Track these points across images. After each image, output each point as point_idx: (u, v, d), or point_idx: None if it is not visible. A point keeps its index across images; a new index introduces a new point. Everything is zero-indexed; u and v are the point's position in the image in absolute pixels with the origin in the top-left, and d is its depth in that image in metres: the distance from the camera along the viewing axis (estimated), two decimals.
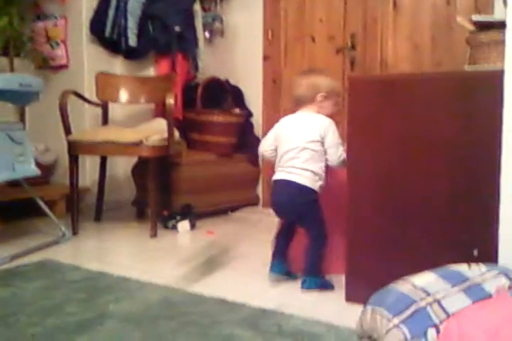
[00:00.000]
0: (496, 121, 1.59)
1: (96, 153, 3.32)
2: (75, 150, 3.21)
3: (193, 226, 3.36)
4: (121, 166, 4.03)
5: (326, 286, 2.18)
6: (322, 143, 2.16)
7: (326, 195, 2.21)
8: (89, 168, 3.84)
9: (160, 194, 3.25)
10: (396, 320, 1.17)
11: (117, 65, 4.07)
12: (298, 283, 2.20)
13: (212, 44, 4.27)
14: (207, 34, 4.20)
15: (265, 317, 1.87)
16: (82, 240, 3.10)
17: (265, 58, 4.10)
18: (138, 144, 3.08)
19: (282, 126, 2.28)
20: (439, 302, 1.17)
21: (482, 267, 1.30)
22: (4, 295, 2.13)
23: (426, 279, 1.29)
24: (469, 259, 1.47)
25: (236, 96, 4.09)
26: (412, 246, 1.88)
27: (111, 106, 3.69)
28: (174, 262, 2.63)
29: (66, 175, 3.42)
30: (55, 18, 3.98)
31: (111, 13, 3.85)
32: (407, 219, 1.89)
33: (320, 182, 2.18)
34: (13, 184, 3.25)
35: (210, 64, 4.16)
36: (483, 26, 2.03)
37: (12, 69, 3.87)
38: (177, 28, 3.88)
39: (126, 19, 3.85)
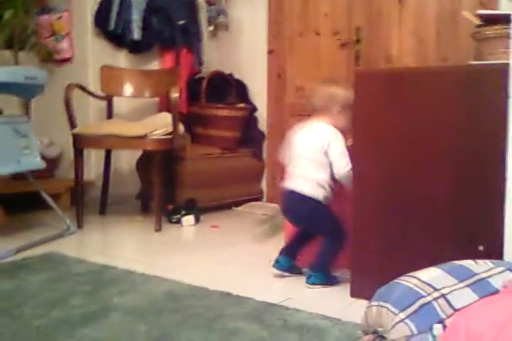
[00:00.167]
0: (501, 116, 1.59)
1: (101, 146, 3.33)
2: (79, 143, 3.21)
3: (197, 220, 3.36)
4: (126, 160, 4.03)
5: (331, 283, 2.18)
6: (326, 154, 2.15)
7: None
8: (93, 162, 3.85)
9: (164, 188, 3.25)
10: (402, 315, 1.17)
11: (122, 59, 4.07)
12: (303, 278, 2.21)
13: (217, 38, 4.26)
14: (211, 28, 4.19)
15: (270, 311, 1.87)
16: (86, 233, 3.11)
17: (270, 52, 4.09)
18: (142, 138, 3.08)
19: (294, 135, 2.28)
20: (445, 297, 1.17)
21: (488, 263, 1.30)
22: (9, 287, 2.14)
23: (432, 274, 1.29)
24: (474, 256, 1.46)
25: (240, 90, 4.08)
26: (416, 243, 1.88)
27: (115, 99, 3.69)
28: (179, 256, 2.63)
29: (71, 168, 3.42)
30: (60, 11, 3.98)
31: (115, 6, 3.84)
32: (411, 216, 1.89)
33: (324, 192, 2.17)
34: (18, 177, 3.26)
35: (215, 58, 4.16)
36: (488, 20, 2.03)
37: (17, 63, 3.87)
38: (181, 22, 3.87)
39: (130, 12, 3.84)
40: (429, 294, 1.19)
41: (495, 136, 1.68)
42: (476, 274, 1.24)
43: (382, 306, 1.26)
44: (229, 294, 2.04)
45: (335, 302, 1.99)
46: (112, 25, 3.84)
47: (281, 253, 2.30)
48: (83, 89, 3.46)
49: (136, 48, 4.03)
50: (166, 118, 3.29)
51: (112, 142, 3.16)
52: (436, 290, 1.20)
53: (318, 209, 2.18)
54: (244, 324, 1.76)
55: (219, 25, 4.21)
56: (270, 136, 4.10)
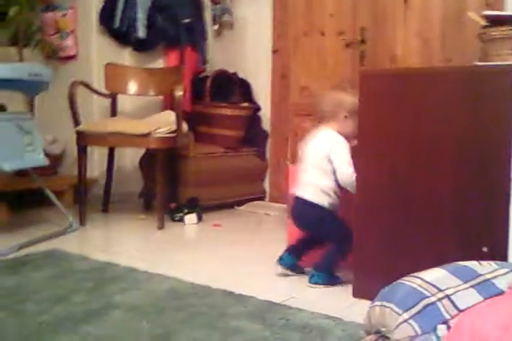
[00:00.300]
0: (506, 117, 1.58)
1: (104, 144, 3.33)
2: (83, 140, 3.21)
3: (199, 219, 3.36)
4: (129, 158, 4.04)
5: (334, 283, 2.18)
6: (330, 161, 2.16)
7: None
8: (97, 159, 3.85)
9: (167, 186, 3.25)
10: (406, 315, 1.16)
11: (126, 57, 4.07)
12: (305, 278, 2.21)
13: (222, 37, 4.26)
14: (216, 27, 4.19)
15: (272, 311, 1.87)
16: (89, 231, 3.11)
17: (274, 52, 4.08)
18: (146, 136, 3.08)
19: (305, 142, 2.29)
20: (449, 297, 1.16)
21: (493, 264, 1.30)
22: (12, 283, 2.14)
23: (436, 275, 1.28)
24: (478, 256, 1.46)
25: (244, 89, 4.08)
26: (419, 244, 1.87)
27: (120, 97, 3.69)
28: (181, 254, 2.63)
29: (74, 166, 3.43)
30: (65, 8, 3.98)
31: (120, 4, 3.85)
32: (413, 217, 1.89)
33: (329, 199, 2.18)
34: (22, 174, 3.26)
35: (219, 57, 4.16)
36: (494, 21, 2.02)
37: (21, 59, 3.87)
38: (186, 20, 3.87)
39: (135, 11, 3.85)
40: (433, 294, 1.19)
41: (500, 137, 1.67)
42: (480, 275, 1.24)
43: (385, 306, 1.26)
44: (231, 293, 2.04)
45: (337, 303, 1.99)
46: (116, 23, 3.84)
47: (286, 250, 2.30)
48: (87, 86, 3.46)
49: (140, 46, 4.03)
50: (170, 116, 3.28)
51: (115, 140, 3.16)
52: (440, 290, 1.20)
53: (324, 216, 2.19)
54: (247, 323, 1.76)
55: (224, 24, 4.20)
56: (273, 136, 4.09)
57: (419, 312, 1.16)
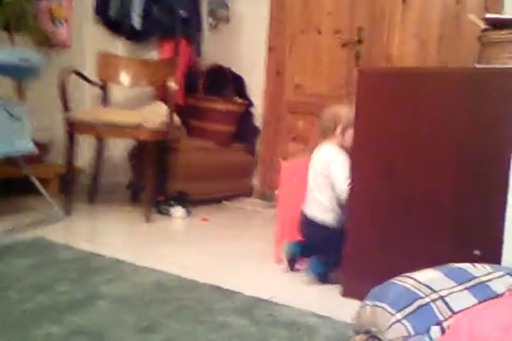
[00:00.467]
0: (505, 118, 1.58)
1: (93, 133, 3.28)
2: (72, 129, 3.16)
3: (188, 213, 3.33)
4: (119, 148, 3.99)
5: (326, 280, 2.16)
6: (329, 176, 2.18)
7: None
8: (85, 149, 3.80)
9: (155, 179, 3.21)
10: (399, 315, 1.15)
11: (120, 47, 4.02)
12: (294, 275, 2.22)
13: (217, 31, 4.23)
14: (212, 20, 4.16)
15: (259, 307, 1.85)
16: (74, 220, 3.07)
17: (270, 49, 4.05)
18: (137, 127, 3.04)
19: (310, 159, 2.31)
20: (443, 299, 1.15)
21: (487, 267, 1.29)
22: None
23: (429, 276, 1.27)
24: (471, 259, 1.45)
25: (238, 85, 4.05)
26: (411, 244, 1.87)
27: (112, 88, 3.65)
28: (168, 247, 2.61)
29: (61, 154, 3.38)
30: None
31: None
32: (408, 217, 1.88)
33: (332, 215, 2.19)
34: (7, 161, 3.20)
35: (214, 51, 4.13)
36: (495, 24, 2.01)
37: (13, 45, 3.81)
38: (182, 12, 3.83)
39: (131, 1, 3.80)
40: (427, 295, 1.18)
41: (499, 137, 1.67)
42: (475, 277, 1.22)
43: (377, 306, 1.25)
44: (218, 287, 2.02)
45: (325, 301, 1.98)
46: (112, 13, 3.80)
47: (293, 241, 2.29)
48: (78, 74, 3.40)
49: (134, 36, 3.99)
50: (162, 108, 3.25)
51: (105, 130, 3.10)
52: (434, 291, 1.19)
53: (329, 236, 2.18)
54: (234, 318, 1.74)
55: (220, 18, 4.18)
56: (265, 132, 4.07)
57: (412, 312, 1.15)
